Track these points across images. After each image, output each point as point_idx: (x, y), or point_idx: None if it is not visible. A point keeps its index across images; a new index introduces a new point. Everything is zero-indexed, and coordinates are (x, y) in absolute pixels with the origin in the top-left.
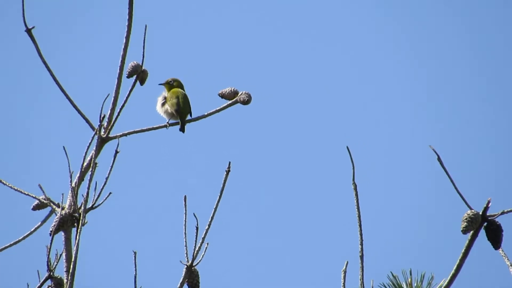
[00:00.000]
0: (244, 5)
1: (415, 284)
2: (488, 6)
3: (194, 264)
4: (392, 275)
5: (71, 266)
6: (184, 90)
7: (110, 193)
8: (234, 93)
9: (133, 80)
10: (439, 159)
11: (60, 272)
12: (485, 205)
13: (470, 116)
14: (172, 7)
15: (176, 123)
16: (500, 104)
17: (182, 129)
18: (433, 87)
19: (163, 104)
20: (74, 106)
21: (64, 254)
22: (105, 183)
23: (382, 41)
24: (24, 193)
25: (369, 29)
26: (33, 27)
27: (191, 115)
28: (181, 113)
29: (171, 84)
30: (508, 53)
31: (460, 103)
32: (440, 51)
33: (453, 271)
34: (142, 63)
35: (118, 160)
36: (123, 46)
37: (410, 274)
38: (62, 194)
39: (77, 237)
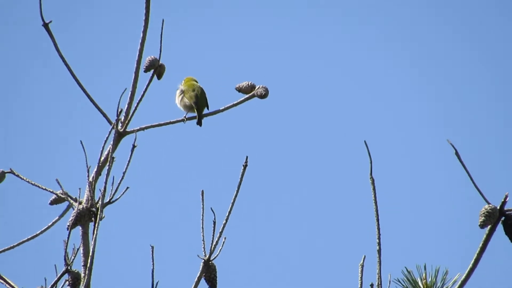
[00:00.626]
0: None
1: (430, 279)
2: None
3: (211, 259)
4: (407, 270)
5: (89, 261)
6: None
7: (127, 187)
8: (251, 87)
9: (150, 75)
10: (456, 153)
11: (78, 266)
12: (502, 200)
13: (488, 109)
14: (189, 1)
15: (193, 117)
16: None
17: (199, 123)
18: (451, 81)
19: (181, 98)
20: (92, 101)
21: (81, 249)
22: (122, 178)
23: (401, 35)
24: (42, 188)
25: (389, 22)
26: (50, 22)
27: (208, 109)
28: (199, 106)
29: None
30: None
31: (478, 96)
32: (458, 47)
33: (470, 266)
34: (159, 58)
35: (135, 155)
36: (140, 41)
37: (425, 269)
38: (80, 188)
39: (95, 232)
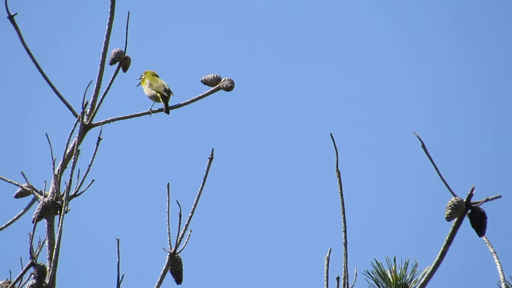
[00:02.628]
0: None
1: (399, 272)
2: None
3: (177, 252)
4: (376, 262)
5: (54, 254)
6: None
7: (93, 180)
8: (217, 80)
9: (116, 67)
10: (423, 145)
11: (43, 259)
12: (469, 192)
13: (455, 103)
14: None
15: (159, 110)
16: (484, 92)
17: (166, 111)
18: (419, 72)
19: (149, 90)
20: (57, 93)
21: (47, 242)
22: (88, 170)
23: (364, 37)
24: (7, 181)
25: (348, 23)
26: (15, 14)
27: (172, 94)
28: (167, 95)
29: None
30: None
31: (443, 90)
32: (425, 47)
33: (437, 258)
34: (125, 50)
35: (101, 147)
36: (105, 33)
37: (394, 261)
38: (45, 181)
39: (60, 225)
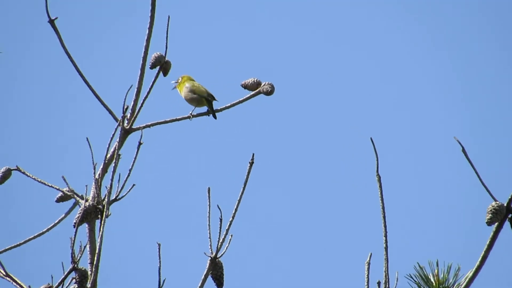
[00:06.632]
0: None
1: (442, 275)
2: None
3: (218, 256)
4: (419, 265)
5: (95, 258)
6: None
7: (133, 184)
8: (257, 84)
9: (156, 71)
10: (463, 150)
11: (85, 264)
12: (510, 197)
13: (496, 106)
14: None
15: (200, 114)
16: None
17: (214, 115)
18: (460, 78)
19: (191, 93)
20: (98, 98)
21: (88, 246)
22: (128, 175)
23: (408, 31)
24: (48, 185)
25: (393, 17)
26: (56, 18)
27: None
28: (212, 99)
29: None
30: None
31: (485, 93)
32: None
33: (478, 263)
34: (165, 54)
35: (141, 152)
36: (146, 37)
37: (437, 265)
38: (86, 186)
39: (101, 229)
